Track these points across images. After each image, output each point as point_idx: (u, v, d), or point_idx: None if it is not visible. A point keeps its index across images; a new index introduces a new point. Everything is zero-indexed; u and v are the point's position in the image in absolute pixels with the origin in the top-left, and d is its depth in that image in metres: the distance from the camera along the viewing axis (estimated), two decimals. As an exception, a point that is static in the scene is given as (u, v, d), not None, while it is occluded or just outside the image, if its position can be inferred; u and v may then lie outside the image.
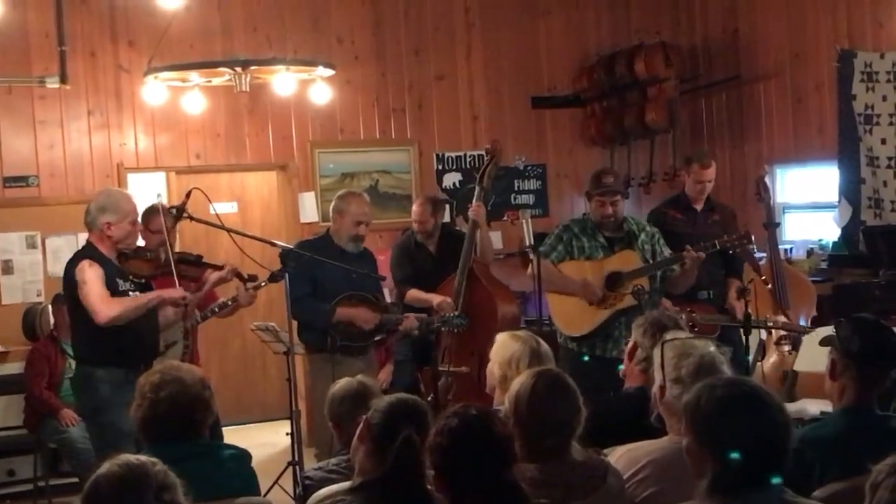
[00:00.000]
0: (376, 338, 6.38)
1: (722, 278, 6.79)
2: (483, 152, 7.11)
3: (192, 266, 5.93)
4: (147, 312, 5.54)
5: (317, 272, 6.18)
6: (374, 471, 3.04)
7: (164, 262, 5.64)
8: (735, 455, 2.55)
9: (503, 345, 4.28)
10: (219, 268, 5.99)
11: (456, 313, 6.32)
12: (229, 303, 6.26)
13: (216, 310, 6.27)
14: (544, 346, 4.28)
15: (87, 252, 5.49)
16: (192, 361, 6.12)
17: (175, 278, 5.61)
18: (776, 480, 2.58)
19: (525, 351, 4.18)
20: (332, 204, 6.51)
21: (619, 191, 6.27)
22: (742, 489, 2.57)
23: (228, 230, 6.32)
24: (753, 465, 2.57)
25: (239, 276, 6.09)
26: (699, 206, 6.98)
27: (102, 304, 5.31)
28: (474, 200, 6.85)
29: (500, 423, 2.88)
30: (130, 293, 5.50)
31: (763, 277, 6.62)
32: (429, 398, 6.49)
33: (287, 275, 5.81)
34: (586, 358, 5.80)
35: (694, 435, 2.66)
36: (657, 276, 6.19)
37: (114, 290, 5.41)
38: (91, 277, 5.35)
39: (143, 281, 5.65)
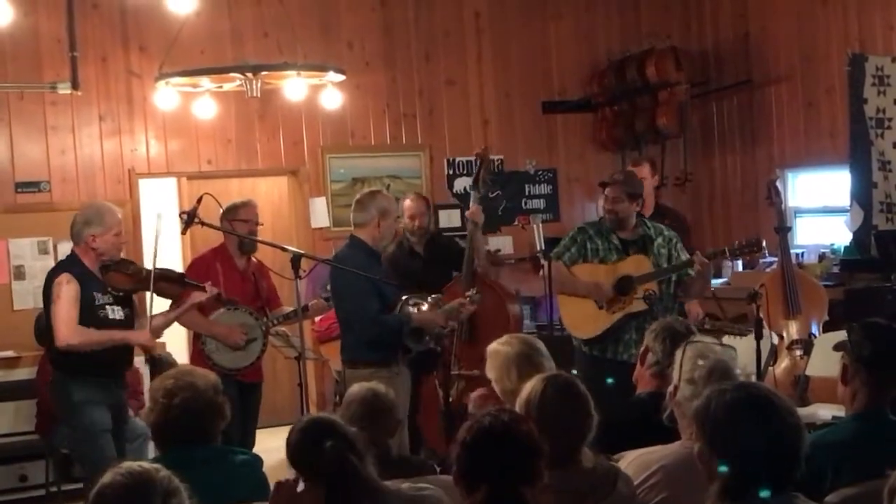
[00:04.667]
0: (442, 342, 6.16)
1: None
2: (473, 158, 7.10)
3: (173, 283, 5.91)
4: (123, 327, 5.69)
5: (377, 284, 5.83)
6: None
7: (145, 276, 5.69)
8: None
9: (493, 355, 4.27)
10: (200, 288, 5.99)
11: (474, 291, 6.26)
12: (291, 314, 6.41)
13: (287, 316, 6.47)
14: (537, 347, 4.25)
15: (69, 264, 5.67)
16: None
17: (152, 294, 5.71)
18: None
19: (513, 356, 4.17)
20: (368, 208, 5.90)
21: (617, 183, 6.19)
22: (753, 494, 2.56)
23: (239, 235, 6.35)
24: (764, 469, 2.57)
25: (220, 299, 6.16)
26: (647, 212, 6.90)
27: (66, 329, 5.52)
28: (471, 204, 6.88)
29: (528, 436, 2.80)
30: (108, 307, 5.65)
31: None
32: (448, 401, 6.49)
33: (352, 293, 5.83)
34: (610, 380, 5.63)
35: (704, 440, 2.65)
36: (671, 280, 6.17)
37: (90, 304, 5.57)
38: (65, 296, 5.52)
39: (122, 294, 5.73)
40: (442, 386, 6.30)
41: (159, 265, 5.78)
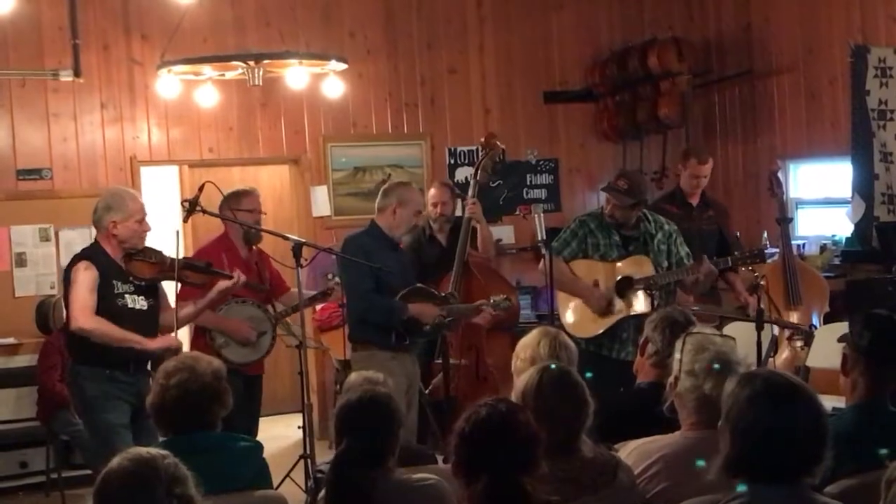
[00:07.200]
0: (442, 331, 6.21)
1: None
2: (479, 146, 7.08)
3: (198, 273, 5.74)
4: (144, 317, 5.53)
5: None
6: None
7: (170, 265, 5.53)
8: (741, 488, 2.57)
9: (526, 338, 4.27)
10: (227, 277, 5.81)
11: (503, 297, 6.28)
12: (318, 296, 6.49)
13: (296, 308, 6.31)
14: (566, 339, 4.25)
15: (90, 252, 5.51)
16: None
17: (176, 283, 5.57)
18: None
19: (544, 342, 4.17)
20: (389, 195, 6.09)
21: (620, 193, 6.13)
22: (762, 478, 2.57)
23: (241, 223, 6.34)
24: (777, 457, 2.56)
25: (249, 286, 6.10)
26: (694, 202, 7.09)
27: (80, 313, 5.36)
28: (469, 194, 6.87)
29: (526, 426, 2.81)
30: (127, 296, 5.48)
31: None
32: (426, 391, 6.54)
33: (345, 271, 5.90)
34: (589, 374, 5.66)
35: (725, 416, 2.66)
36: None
37: (109, 293, 5.42)
38: (81, 280, 5.38)
39: (144, 283, 5.55)
40: (443, 376, 6.33)
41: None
